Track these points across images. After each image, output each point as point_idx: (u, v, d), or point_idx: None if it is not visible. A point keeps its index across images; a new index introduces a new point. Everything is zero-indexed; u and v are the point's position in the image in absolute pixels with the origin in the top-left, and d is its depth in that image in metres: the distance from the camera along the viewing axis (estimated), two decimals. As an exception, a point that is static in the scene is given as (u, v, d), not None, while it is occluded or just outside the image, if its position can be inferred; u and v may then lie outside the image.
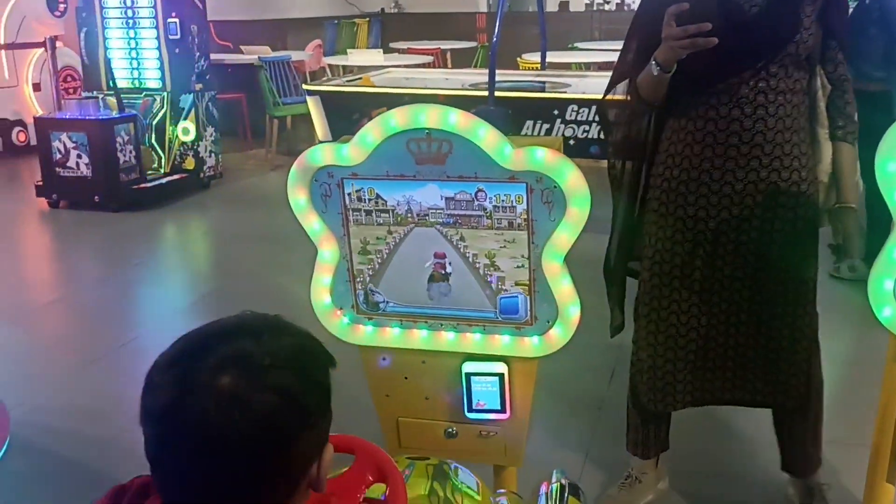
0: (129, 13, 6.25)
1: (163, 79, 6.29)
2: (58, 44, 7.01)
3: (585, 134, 5.22)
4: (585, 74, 6.77)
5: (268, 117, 7.30)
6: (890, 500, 2.02)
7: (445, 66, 9.09)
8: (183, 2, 6.24)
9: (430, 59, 8.39)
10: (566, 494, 1.63)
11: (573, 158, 1.74)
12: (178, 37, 6.23)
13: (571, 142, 5.14)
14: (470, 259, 1.84)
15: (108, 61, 6.27)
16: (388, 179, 1.81)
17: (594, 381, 3.20)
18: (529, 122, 5.29)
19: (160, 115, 6.30)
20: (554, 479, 1.67)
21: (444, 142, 1.74)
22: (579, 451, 2.71)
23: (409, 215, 1.84)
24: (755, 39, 1.97)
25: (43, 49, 7.31)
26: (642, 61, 2.02)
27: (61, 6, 7.88)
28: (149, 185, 6.07)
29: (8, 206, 6.23)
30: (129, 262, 5.01)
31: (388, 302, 1.93)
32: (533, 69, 7.08)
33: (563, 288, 1.80)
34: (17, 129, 7.68)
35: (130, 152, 5.93)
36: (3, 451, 2.74)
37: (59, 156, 5.86)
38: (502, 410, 1.92)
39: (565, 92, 5.62)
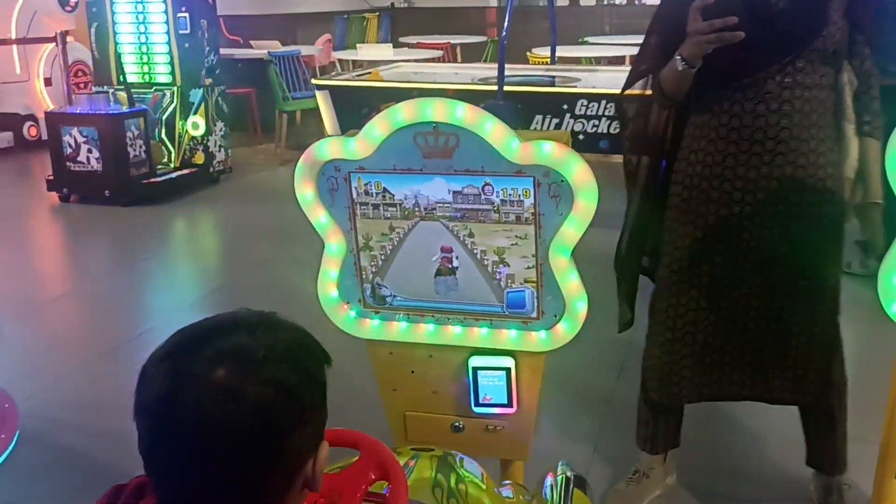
0: (140, 8, 6.26)
1: (173, 73, 6.31)
2: (68, 39, 7.03)
3: (595, 129, 5.19)
4: (595, 69, 6.74)
5: (277, 112, 7.30)
6: (899, 496, 2.00)
7: (455, 61, 9.07)
8: (193, -4, 6.26)
9: (439, 53, 8.37)
10: (571, 486, 1.63)
11: (582, 153, 1.73)
12: (188, 31, 6.24)
13: (581, 136, 5.12)
14: (478, 255, 1.84)
15: (118, 56, 6.29)
16: (396, 173, 1.81)
17: (602, 376, 3.19)
18: (539, 117, 5.27)
19: (170, 109, 6.31)
20: (559, 472, 1.67)
21: (451, 135, 1.74)
22: (587, 446, 2.70)
23: (417, 209, 1.83)
24: (782, 34, 1.94)
25: (54, 44, 7.34)
26: (664, 56, 1.99)
27: (72, 1, 7.91)
28: (159, 179, 6.09)
29: (19, 201, 6.27)
30: (139, 256, 5.03)
31: (394, 296, 1.93)
32: (543, 64, 7.06)
33: (571, 282, 1.80)
34: (28, 123, 7.71)
35: (140, 147, 5.95)
36: (13, 443, 2.75)
37: (69, 150, 5.88)
38: (509, 405, 1.92)
39: (575, 86, 5.60)
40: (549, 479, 1.67)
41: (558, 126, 5.20)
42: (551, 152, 1.69)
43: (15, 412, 2.87)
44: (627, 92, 2.20)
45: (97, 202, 5.89)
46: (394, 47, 8.48)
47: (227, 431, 0.86)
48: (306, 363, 0.95)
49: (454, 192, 1.79)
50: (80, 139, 5.85)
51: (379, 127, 1.78)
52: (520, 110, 4.99)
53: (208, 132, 6.43)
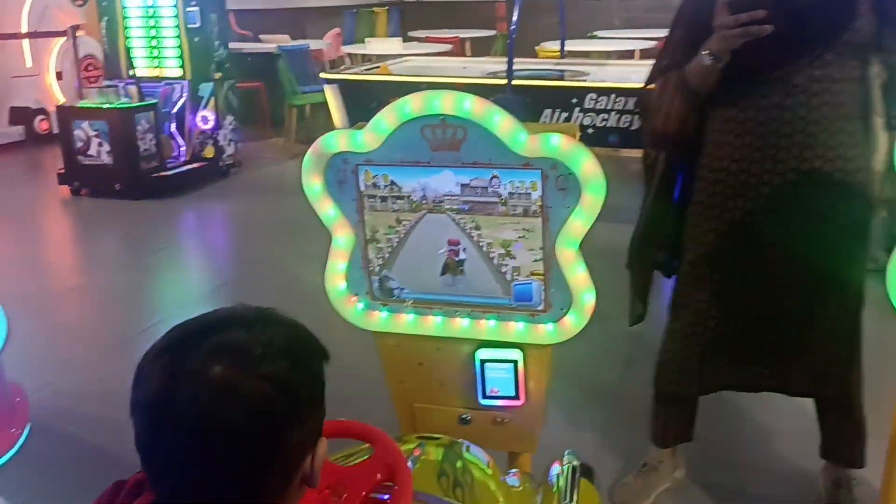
0: (150, 2, 6.28)
1: (182, 67, 6.32)
2: (79, 33, 7.06)
3: (604, 123, 5.18)
4: (605, 63, 6.72)
5: (287, 106, 7.32)
6: (908, 490, 2.00)
7: (464, 55, 9.06)
8: (202, -10, 6.27)
9: (449, 47, 8.36)
10: (578, 475, 1.63)
11: (591, 148, 1.72)
12: (198, 25, 6.26)
13: (590, 130, 5.11)
14: (485, 248, 1.84)
15: (128, 50, 6.31)
16: (403, 166, 1.81)
17: (610, 369, 3.20)
18: (548, 111, 5.27)
19: (180, 103, 6.33)
20: (566, 461, 1.66)
21: (459, 128, 1.74)
22: (595, 438, 2.71)
23: (424, 202, 1.83)
24: (810, 27, 1.91)
25: (65, 38, 7.37)
26: (689, 51, 1.97)
27: (83, -5, 7.94)
28: (169, 173, 6.11)
29: (31, 194, 6.31)
30: (149, 249, 5.05)
31: (402, 288, 1.94)
32: (552, 58, 7.04)
33: (578, 275, 1.80)
34: (39, 117, 7.75)
35: (150, 140, 5.97)
36: (24, 435, 2.77)
37: (80, 144, 5.91)
38: (516, 397, 1.92)
39: (584, 80, 5.58)
40: (555, 468, 1.67)
41: (567, 120, 5.20)
42: (559, 145, 1.69)
43: (26, 405, 2.89)
44: (650, 86, 2.17)
45: (108, 196, 5.92)
46: (403, 41, 8.47)
47: (224, 428, 0.85)
48: (304, 359, 0.94)
49: (462, 185, 1.79)
50: (91, 133, 5.87)
51: (386, 119, 1.78)
52: (528, 104, 4.99)
53: (218, 126, 6.45)
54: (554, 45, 7.18)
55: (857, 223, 2.05)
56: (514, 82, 4.93)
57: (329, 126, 6.38)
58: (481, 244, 1.83)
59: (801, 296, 2.07)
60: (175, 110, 6.31)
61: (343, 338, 2.14)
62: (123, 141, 5.83)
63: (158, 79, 6.35)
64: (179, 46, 6.28)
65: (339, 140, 1.83)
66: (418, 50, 7.82)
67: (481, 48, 9.65)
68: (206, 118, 6.37)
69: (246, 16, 9.25)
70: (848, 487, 2.29)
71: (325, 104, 6.25)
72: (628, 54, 7.77)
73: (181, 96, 6.31)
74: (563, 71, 6.08)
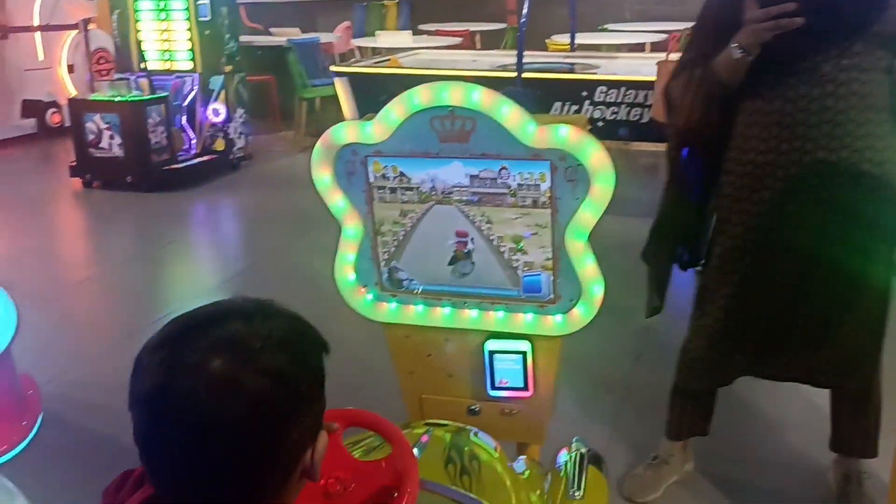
0: (161, -6, 6.30)
1: (193, 60, 6.34)
2: (91, 26, 7.09)
3: (614, 116, 5.17)
4: (615, 56, 6.70)
5: (297, 99, 7.32)
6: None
7: (474, 48, 9.04)
8: (213, -17, 6.28)
9: (459, 40, 8.34)
10: (586, 462, 1.62)
11: (602, 141, 1.71)
12: (209, 18, 6.27)
13: (600, 123, 5.10)
14: (493, 240, 1.84)
15: (139, 43, 6.33)
16: (412, 157, 1.82)
17: (620, 362, 3.19)
18: (557, 104, 5.26)
19: (191, 96, 6.35)
20: (574, 447, 1.66)
21: (468, 119, 1.74)
22: (604, 430, 2.71)
23: (434, 193, 1.84)
24: (840, 18, 1.89)
25: (77, 31, 7.40)
26: (716, 44, 1.96)
27: (94, -12, 7.96)
28: (179, 165, 6.13)
29: (43, 186, 6.34)
30: (160, 241, 5.07)
31: (411, 279, 1.94)
32: (562, 51, 7.02)
33: (587, 267, 1.80)
34: (51, 110, 7.78)
35: (161, 133, 5.99)
36: (37, 426, 2.80)
37: (92, 137, 5.94)
38: (525, 388, 1.92)
39: (594, 73, 5.57)
40: (563, 454, 1.67)
41: (577, 113, 5.19)
42: (567, 136, 1.69)
43: (38, 397, 2.91)
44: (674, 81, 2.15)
45: (119, 188, 5.94)
46: (413, 34, 8.46)
47: (223, 422, 0.84)
48: (304, 352, 0.93)
49: (471, 176, 1.79)
50: (102, 125, 5.90)
51: (395, 111, 1.78)
52: (539, 97, 4.98)
53: (228, 119, 6.46)
54: (564, 38, 7.16)
55: (885, 214, 2.02)
56: (525, 75, 4.92)
57: (339, 119, 6.34)
58: (490, 236, 1.84)
59: (830, 288, 2.05)
60: (186, 103, 6.32)
61: (353, 328, 2.15)
62: (134, 134, 5.85)
63: (169, 72, 6.37)
64: (190, 40, 6.30)
65: (348, 131, 1.83)
66: (428, 43, 7.81)
67: (491, 41, 9.62)
68: (216, 111, 6.39)
69: (256, 9, 9.26)
70: (858, 481, 2.29)
71: (335, 97, 6.25)
72: (639, 47, 7.73)
73: (192, 89, 6.32)
74: (573, 64, 6.06)
